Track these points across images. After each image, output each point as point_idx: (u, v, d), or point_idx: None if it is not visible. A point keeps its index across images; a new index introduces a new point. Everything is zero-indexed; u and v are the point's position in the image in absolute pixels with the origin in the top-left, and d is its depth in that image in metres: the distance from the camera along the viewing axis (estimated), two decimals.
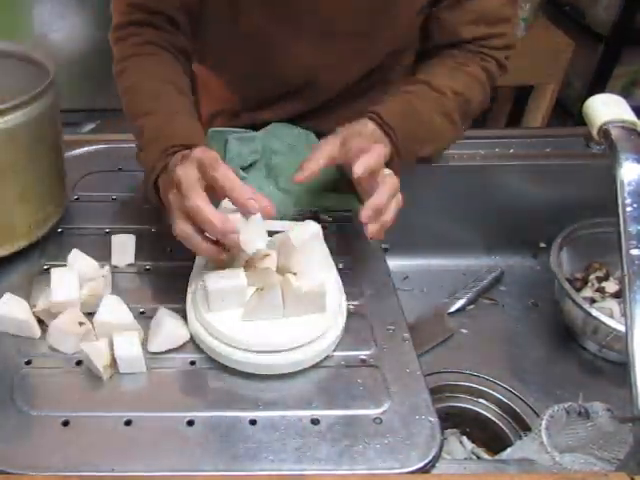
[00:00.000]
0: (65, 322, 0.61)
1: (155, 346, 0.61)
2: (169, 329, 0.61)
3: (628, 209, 0.58)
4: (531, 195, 0.98)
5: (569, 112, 2.22)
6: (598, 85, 2.12)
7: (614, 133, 0.64)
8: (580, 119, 0.72)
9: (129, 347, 0.60)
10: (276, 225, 0.74)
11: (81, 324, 0.61)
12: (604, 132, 0.66)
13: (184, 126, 0.71)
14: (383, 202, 0.64)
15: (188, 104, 0.76)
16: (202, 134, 0.73)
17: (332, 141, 0.70)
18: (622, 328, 0.78)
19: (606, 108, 0.67)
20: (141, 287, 0.70)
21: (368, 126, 0.74)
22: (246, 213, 0.60)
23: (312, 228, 0.64)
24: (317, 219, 0.78)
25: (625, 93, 2.17)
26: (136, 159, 0.73)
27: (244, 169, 0.80)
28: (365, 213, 0.63)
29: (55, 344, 0.62)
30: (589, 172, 0.95)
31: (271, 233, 0.72)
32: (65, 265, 0.67)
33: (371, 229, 0.64)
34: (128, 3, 0.80)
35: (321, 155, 0.69)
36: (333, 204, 0.80)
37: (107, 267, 0.68)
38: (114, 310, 0.62)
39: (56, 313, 0.62)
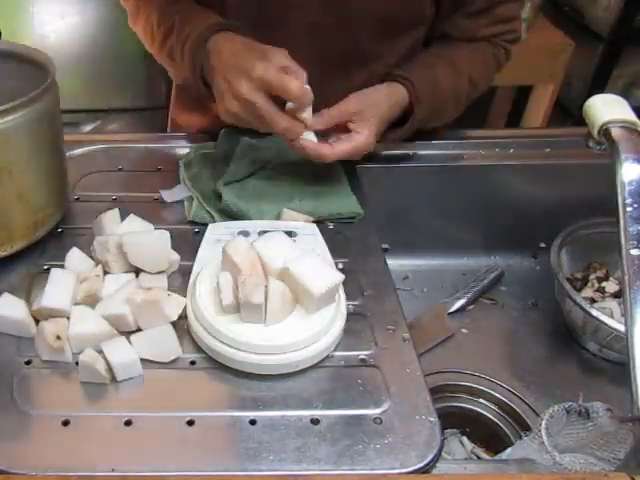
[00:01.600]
0: (46, 331, 0.59)
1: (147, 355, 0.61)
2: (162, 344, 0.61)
3: (628, 209, 0.58)
4: (531, 195, 0.98)
5: (569, 112, 2.22)
6: (598, 85, 2.12)
7: (615, 133, 0.64)
8: (580, 119, 0.72)
9: (122, 353, 0.59)
10: (280, 225, 0.74)
11: (58, 338, 0.59)
12: (604, 132, 0.65)
13: (203, 17, 0.79)
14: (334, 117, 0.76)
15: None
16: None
17: (350, 104, 0.78)
18: (622, 328, 0.78)
19: (607, 108, 0.67)
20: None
21: (397, 90, 0.82)
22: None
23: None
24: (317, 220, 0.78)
25: (625, 93, 2.17)
26: (175, 74, 0.86)
27: (251, 174, 0.81)
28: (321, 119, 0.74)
29: (39, 350, 0.61)
30: (589, 172, 0.95)
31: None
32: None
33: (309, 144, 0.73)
34: None
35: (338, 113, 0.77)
36: (336, 209, 0.80)
37: (100, 266, 0.67)
38: (85, 320, 0.61)
39: (47, 316, 0.61)
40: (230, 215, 0.77)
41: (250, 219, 0.76)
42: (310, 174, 0.83)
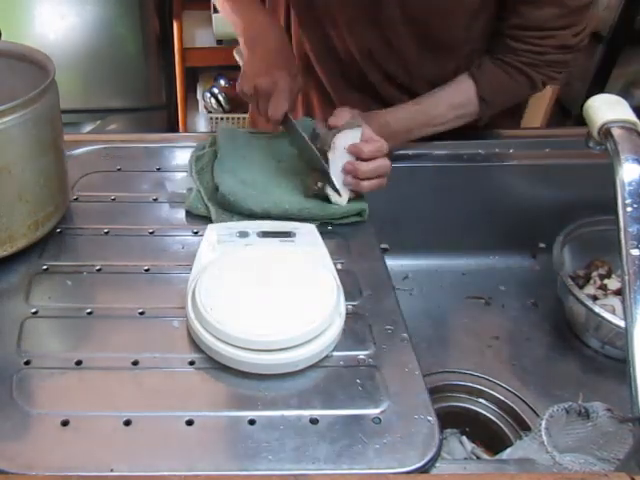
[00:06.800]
0: None
1: None
2: None
3: (628, 209, 0.58)
4: (531, 195, 0.98)
5: (569, 112, 2.22)
6: (598, 85, 2.12)
7: (614, 133, 0.64)
8: (580, 119, 0.72)
9: None
10: (279, 226, 0.74)
11: None
12: (604, 132, 0.66)
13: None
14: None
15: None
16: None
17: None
18: (624, 325, 0.78)
19: (606, 108, 0.67)
20: (141, 287, 0.70)
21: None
22: None
23: None
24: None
25: (625, 93, 2.17)
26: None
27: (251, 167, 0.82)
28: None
29: None
30: (589, 172, 0.95)
31: (272, 233, 0.73)
32: (64, 266, 0.67)
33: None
34: None
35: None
36: (340, 209, 0.80)
37: None
38: None
39: None
40: (227, 206, 0.77)
41: (250, 210, 0.76)
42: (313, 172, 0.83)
